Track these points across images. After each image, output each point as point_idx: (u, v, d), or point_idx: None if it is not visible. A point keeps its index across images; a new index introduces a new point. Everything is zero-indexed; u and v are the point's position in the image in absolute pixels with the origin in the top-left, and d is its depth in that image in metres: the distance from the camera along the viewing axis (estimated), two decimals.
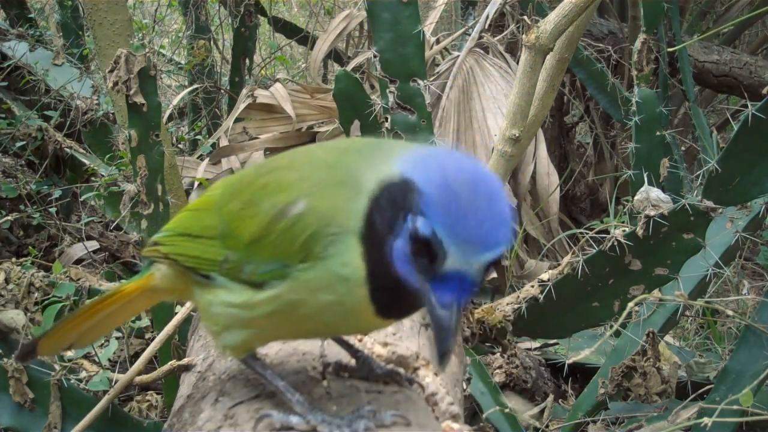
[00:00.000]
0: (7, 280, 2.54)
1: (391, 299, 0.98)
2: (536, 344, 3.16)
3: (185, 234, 1.15)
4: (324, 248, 0.96)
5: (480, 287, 0.93)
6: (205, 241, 1.10)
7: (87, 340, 1.40)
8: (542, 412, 2.76)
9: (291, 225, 0.98)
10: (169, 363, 1.67)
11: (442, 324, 0.91)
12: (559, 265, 2.50)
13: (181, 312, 1.97)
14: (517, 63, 2.68)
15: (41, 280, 2.56)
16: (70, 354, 2.53)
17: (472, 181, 0.90)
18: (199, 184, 3.72)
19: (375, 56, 2.62)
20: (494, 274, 3.55)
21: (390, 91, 2.60)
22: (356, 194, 0.96)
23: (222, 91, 4.84)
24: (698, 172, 2.32)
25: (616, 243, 2.22)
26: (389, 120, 2.61)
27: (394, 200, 0.92)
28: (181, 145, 4.70)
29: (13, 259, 2.88)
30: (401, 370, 1.19)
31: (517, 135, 2.42)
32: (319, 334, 1.17)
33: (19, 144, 3.65)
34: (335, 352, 1.21)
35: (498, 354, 2.82)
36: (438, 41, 4.11)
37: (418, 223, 0.90)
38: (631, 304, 2.22)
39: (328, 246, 0.96)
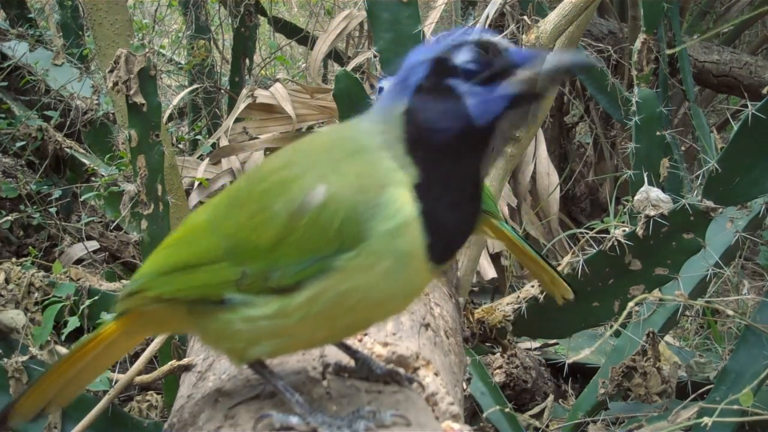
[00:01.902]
0: (7, 280, 2.54)
1: (447, 218, 0.98)
2: (536, 344, 3.16)
3: (178, 268, 1.08)
4: (365, 226, 0.94)
5: None
6: (210, 266, 1.04)
7: (65, 397, 1.27)
8: (542, 412, 2.76)
9: (316, 216, 0.95)
10: (169, 363, 1.66)
11: (560, 65, 0.96)
12: (559, 265, 2.50)
13: None
14: None
15: (41, 280, 2.55)
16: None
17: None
18: (199, 184, 3.72)
19: (375, 56, 2.62)
20: (494, 274, 3.55)
21: None
22: (377, 152, 0.98)
23: (222, 91, 4.84)
24: (698, 172, 2.32)
25: (616, 243, 2.22)
26: None
27: (427, 102, 0.99)
28: (181, 145, 4.70)
29: (13, 259, 2.88)
30: (401, 370, 1.19)
31: (517, 135, 2.41)
32: (359, 326, 1.10)
33: (19, 144, 3.65)
34: (335, 353, 1.21)
35: (498, 354, 2.82)
36: None
37: (459, 57, 0.97)
38: (631, 304, 2.22)
39: (368, 221, 0.94)
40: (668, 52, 3.21)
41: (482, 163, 1.00)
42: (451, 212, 0.98)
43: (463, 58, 0.97)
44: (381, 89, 1.78)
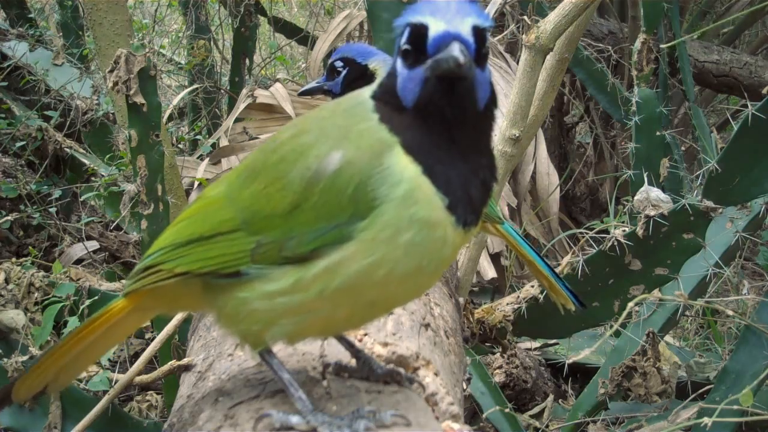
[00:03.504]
0: (7, 280, 2.54)
1: (453, 176, 0.96)
2: (536, 344, 3.16)
3: (194, 240, 1.07)
4: (375, 191, 0.94)
5: (483, 55, 0.97)
6: (225, 237, 1.04)
7: (65, 378, 1.27)
8: (542, 412, 2.76)
9: (332, 181, 0.95)
10: (169, 363, 1.66)
11: (443, 58, 0.92)
12: (559, 265, 2.50)
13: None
14: (517, 63, 2.68)
15: (41, 280, 2.56)
16: None
17: None
18: (199, 184, 3.72)
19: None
20: (494, 274, 3.55)
21: None
22: (376, 121, 0.98)
23: (222, 91, 4.84)
24: (698, 172, 2.32)
25: (616, 243, 2.22)
26: None
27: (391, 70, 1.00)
28: (181, 145, 4.70)
29: (13, 259, 2.88)
30: (401, 370, 1.19)
31: (517, 135, 2.42)
32: (385, 304, 1.06)
33: (19, 144, 3.65)
34: (335, 352, 1.21)
35: (498, 354, 2.82)
36: None
37: (402, 37, 0.97)
38: (631, 304, 2.22)
39: (378, 186, 0.94)
40: (665, 45, 3.20)
41: (458, 130, 0.98)
42: (454, 170, 0.97)
43: (402, 40, 0.97)
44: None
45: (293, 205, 0.98)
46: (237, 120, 4.17)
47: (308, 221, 0.97)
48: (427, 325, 1.47)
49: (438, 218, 0.96)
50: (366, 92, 1.03)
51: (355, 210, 0.94)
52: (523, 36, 2.38)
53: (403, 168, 0.95)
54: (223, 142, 4.09)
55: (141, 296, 1.16)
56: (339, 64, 1.83)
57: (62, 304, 2.48)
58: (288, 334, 1.03)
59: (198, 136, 4.63)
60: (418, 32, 0.95)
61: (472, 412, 2.51)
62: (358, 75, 1.84)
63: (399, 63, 0.98)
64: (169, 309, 1.25)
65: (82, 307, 2.48)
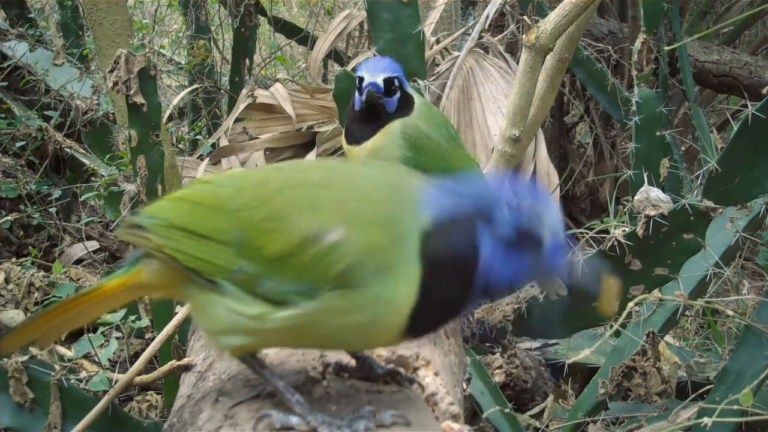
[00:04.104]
0: (7, 280, 2.54)
1: (429, 326, 1.05)
2: (536, 344, 3.16)
3: (188, 230, 1.07)
4: (363, 278, 0.95)
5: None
6: (215, 245, 1.04)
7: (53, 335, 1.33)
8: (542, 412, 2.76)
9: (326, 252, 0.95)
10: (169, 363, 1.67)
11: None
12: None
13: (181, 312, 1.97)
14: (517, 63, 2.68)
15: (41, 280, 2.56)
16: (70, 354, 2.53)
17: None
18: None
19: (375, 56, 2.62)
20: None
21: None
22: (404, 236, 0.97)
23: (222, 91, 4.84)
24: (698, 172, 2.32)
25: (616, 243, 2.22)
26: None
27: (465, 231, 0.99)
28: (181, 145, 4.69)
29: (13, 259, 2.89)
30: (401, 370, 1.19)
31: (517, 135, 2.41)
32: (328, 348, 1.17)
33: (19, 144, 3.65)
34: (335, 352, 1.21)
35: (498, 354, 2.82)
36: (438, 41, 4.10)
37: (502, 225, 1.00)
38: (631, 304, 2.22)
39: (369, 276, 0.95)
40: (667, 48, 3.20)
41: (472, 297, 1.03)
42: (433, 316, 1.02)
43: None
44: (361, 79, 1.72)
45: (283, 254, 0.98)
46: (237, 120, 4.16)
47: (289, 275, 0.98)
48: None
49: (390, 332, 1.00)
50: (409, 209, 1.01)
51: (337, 285, 0.96)
52: (523, 36, 2.38)
53: (406, 293, 0.97)
54: (223, 142, 4.09)
55: (136, 275, 1.17)
56: (397, 83, 1.69)
57: None
58: (241, 347, 1.06)
59: (198, 136, 4.63)
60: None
61: (472, 412, 2.51)
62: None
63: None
64: (159, 291, 1.27)
65: None
